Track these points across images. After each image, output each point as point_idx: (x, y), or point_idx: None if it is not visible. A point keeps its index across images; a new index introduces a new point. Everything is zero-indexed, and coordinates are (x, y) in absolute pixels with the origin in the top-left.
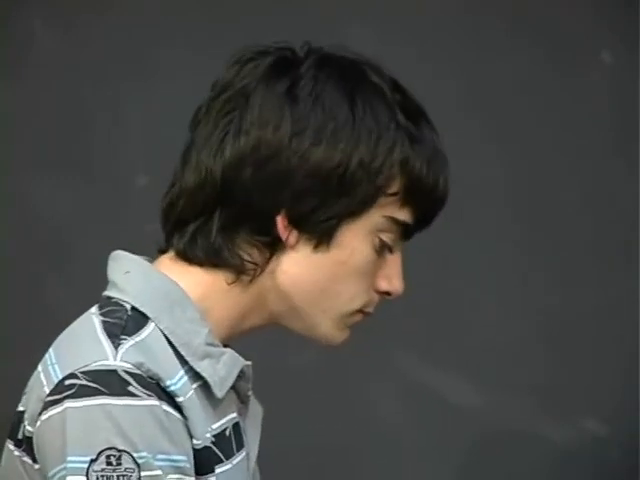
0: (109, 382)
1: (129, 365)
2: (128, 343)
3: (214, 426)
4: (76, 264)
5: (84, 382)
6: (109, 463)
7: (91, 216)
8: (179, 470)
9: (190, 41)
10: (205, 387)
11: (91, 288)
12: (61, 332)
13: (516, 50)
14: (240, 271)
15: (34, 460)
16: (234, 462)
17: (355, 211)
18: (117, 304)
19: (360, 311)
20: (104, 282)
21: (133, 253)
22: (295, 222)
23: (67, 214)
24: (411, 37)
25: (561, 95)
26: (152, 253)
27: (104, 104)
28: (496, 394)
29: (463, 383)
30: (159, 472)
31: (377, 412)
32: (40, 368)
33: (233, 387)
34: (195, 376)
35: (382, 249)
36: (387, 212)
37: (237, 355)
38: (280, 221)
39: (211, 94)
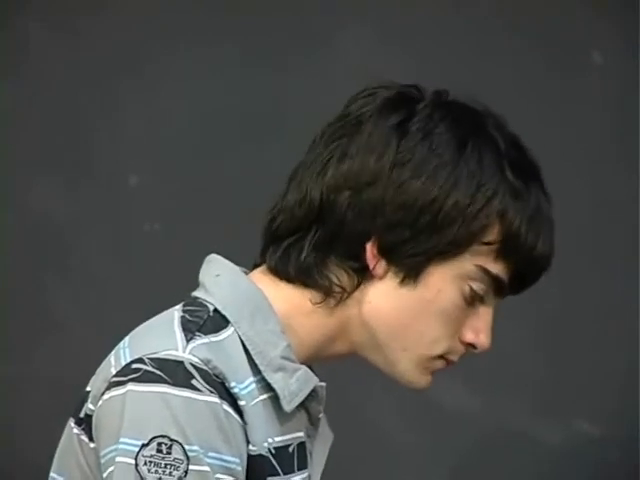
0: (174, 372)
1: (197, 360)
2: (201, 340)
3: (277, 439)
4: (73, 263)
5: (150, 368)
6: (159, 450)
7: (86, 215)
8: (229, 471)
9: (185, 42)
10: (274, 399)
11: (88, 286)
12: (59, 331)
13: (511, 51)
14: (327, 293)
15: (90, 439)
16: (291, 479)
17: (445, 252)
18: (201, 304)
19: (442, 357)
20: (100, 280)
21: (133, 252)
22: (384, 252)
23: (62, 213)
24: (405, 37)
25: (555, 97)
26: (146, 253)
27: (97, 104)
28: (492, 396)
29: (458, 385)
30: (207, 469)
31: (371, 415)
32: (113, 352)
33: (304, 407)
34: (265, 387)
35: (472, 299)
36: (480, 261)
37: (312, 374)
38: (369, 249)
39: (331, 120)
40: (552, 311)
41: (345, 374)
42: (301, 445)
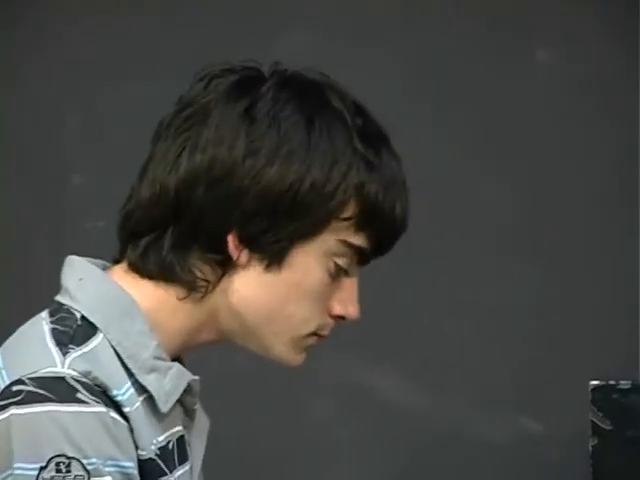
0: (57, 389)
1: (77, 373)
2: (76, 352)
3: (160, 439)
4: (14, 261)
5: (31, 388)
6: (59, 470)
7: (28, 213)
8: (127, 477)
9: (128, 41)
10: (150, 400)
11: (30, 284)
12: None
13: (459, 51)
14: (191, 287)
15: None
16: (176, 475)
17: (307, 234)
18: (68, 311)
19: (315, 334)
20: (42, 278)
21: (72, 252)
22: (246, 242)
23: (3, 212)
24: (346, 40)
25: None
26: (90, 251)
27: (40, 103)
28: (435, 394)
29: (403, 383)
30: (109, 478)
31: (309, 415)
32: None
33: (180, 401)
34: (141, 389)
35: (338, 273)
36: (341, 236)
37: (184, 369)
38: (231, 240)
39: (174, 109)
40: (499, 311)
41: (289, 371)
42: (180, 439)
